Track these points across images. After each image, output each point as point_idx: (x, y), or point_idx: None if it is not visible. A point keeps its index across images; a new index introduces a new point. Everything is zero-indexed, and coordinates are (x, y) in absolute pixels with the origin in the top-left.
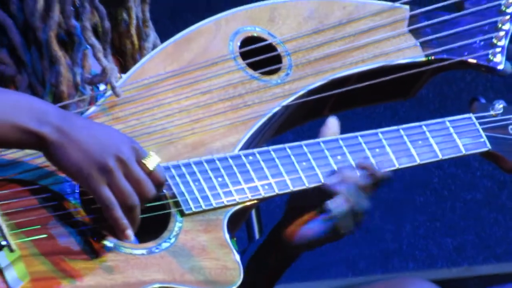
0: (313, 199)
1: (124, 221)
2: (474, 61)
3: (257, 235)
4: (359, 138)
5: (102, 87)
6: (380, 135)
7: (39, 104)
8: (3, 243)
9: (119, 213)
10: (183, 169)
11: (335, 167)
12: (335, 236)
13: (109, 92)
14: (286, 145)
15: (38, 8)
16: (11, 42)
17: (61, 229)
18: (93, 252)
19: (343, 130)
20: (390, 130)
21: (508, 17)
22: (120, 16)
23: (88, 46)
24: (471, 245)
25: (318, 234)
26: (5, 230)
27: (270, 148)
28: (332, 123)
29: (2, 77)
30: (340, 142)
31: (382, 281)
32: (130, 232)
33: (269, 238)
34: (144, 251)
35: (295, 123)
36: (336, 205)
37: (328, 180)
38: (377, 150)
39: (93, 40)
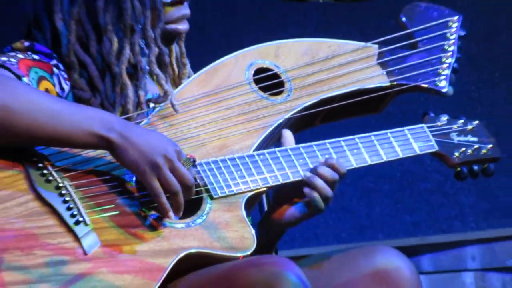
0: (292, 191)
1: (168, 206)
2: (425, 85)
3: None
4: (341, 142)
5: (151, 105)
6: (357, 140)
7: (107, 116)
8: (80, 219)
9: (164, 199)
10: (212, 165)
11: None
12: (312, 215)
13: (157, 109)
14: (288, 147)
15: (114, 49)
16: (89, 74)
17: (127, 208)
18: (148, 225)
19: (333, 137)
20: (364, 136)
21: (450, 53)
22: None
23: (147, 76)
24: (424, 222)
25: (300, 214)
26: (82, 210)
27: (276, 149)
28: (287, 134)
29: (80, 99)
30: (328, 145)
31: (358, 248)
32: (171, 214)
33: (262, 221)
34: (183, 225)
35: (294, 131)
36: (313, 192)
37: (307, 175)
38: (355, 151)
39: (158, 70)
